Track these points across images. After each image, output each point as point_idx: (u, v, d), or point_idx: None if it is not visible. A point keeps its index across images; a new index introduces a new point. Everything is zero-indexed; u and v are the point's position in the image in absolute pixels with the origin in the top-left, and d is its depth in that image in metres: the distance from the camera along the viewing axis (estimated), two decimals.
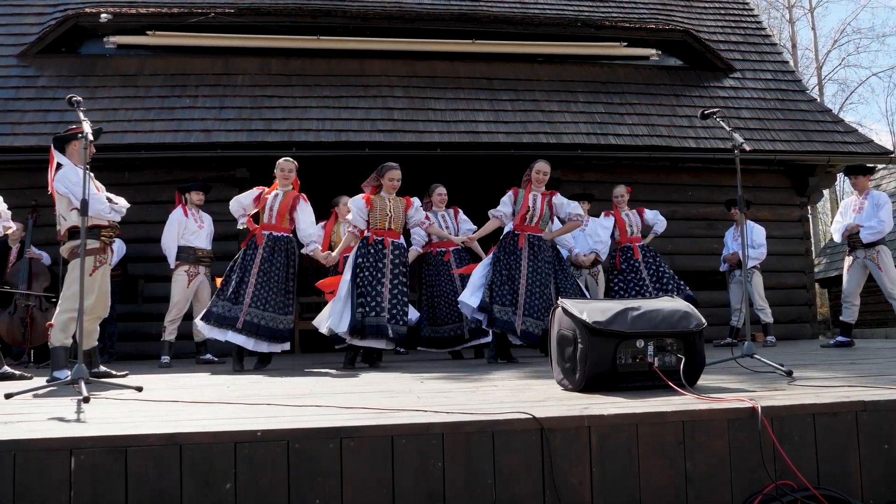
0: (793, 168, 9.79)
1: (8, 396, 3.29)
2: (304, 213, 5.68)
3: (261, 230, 5.60)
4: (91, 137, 3.74)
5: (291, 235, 5.69)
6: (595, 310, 2.96)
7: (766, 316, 7.88)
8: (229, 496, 2.14)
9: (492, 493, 2.23)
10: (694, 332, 2.97)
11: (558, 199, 5.84)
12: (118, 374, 4.78)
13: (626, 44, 10.38)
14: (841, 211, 7.01)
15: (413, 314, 6.28)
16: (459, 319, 6.33)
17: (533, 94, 9.65)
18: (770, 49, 11.52)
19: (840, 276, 7.78)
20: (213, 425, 2.29)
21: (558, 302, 3.20)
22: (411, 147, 8.66)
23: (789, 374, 3.42)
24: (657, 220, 7.21)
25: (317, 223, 6.30)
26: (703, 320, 3.03)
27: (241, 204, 5.70)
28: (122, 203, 4.70)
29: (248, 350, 5.49)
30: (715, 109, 4.37)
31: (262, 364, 5.65)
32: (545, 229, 5.77)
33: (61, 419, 2.56)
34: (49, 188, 4.50)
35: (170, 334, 6.74)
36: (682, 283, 6.92)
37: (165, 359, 6.60)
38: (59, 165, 4.49)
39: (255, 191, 5.78)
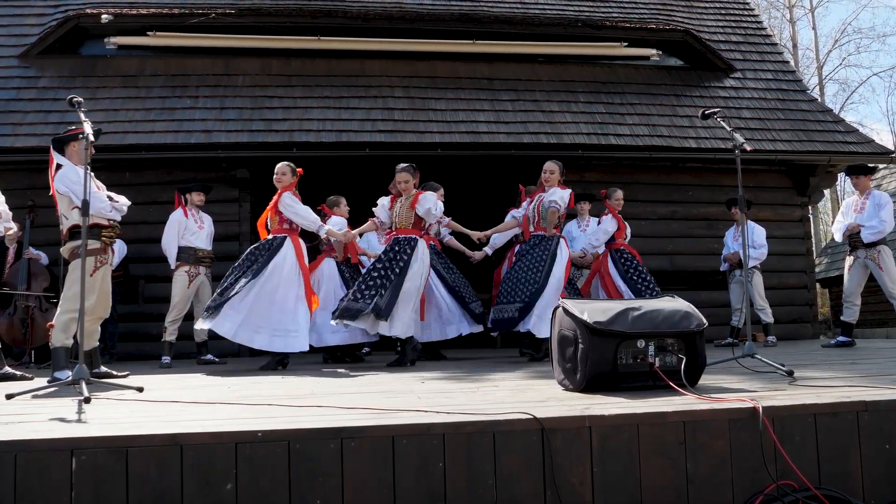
0: (793, 168, 9.79)
1: (9, 397, 3.29)
2: (289, 207, 5.64)
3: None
4: (91, 138, 3.74)
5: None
6: (596, 310, 2.96)
7: (767, 316, 7.87)
8: (230, 496, 2.14)
9: (493, 494, 2.23)
10: (695, 332, 2.96)
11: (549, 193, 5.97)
12: (119, 374, 4.78)
13: (626, 44, 10.38)
14: (842, 211, 7.01)
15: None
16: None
17: (533, 95, 9.65)
18: (771, 49, 11.52)
19: (841, 276, 7.78)
20: (213, 426, 2.29)
21: (559, 302, 3.20)
22: (412, 147, 8.66)
23: (790, 374, 3.41)
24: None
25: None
26: (704, 320, 3.02)
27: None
28: (123, 201, 4.71)
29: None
30: (715, 109, 4.37)
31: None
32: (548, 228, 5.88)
33: (62, 419, 2.56)
34: (51, 190, 4.51)
35: (170, 335, 6.73)
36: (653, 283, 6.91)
37: (166, 359, 6.60)
38: (58, 166, 4.50)
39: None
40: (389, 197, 5.90)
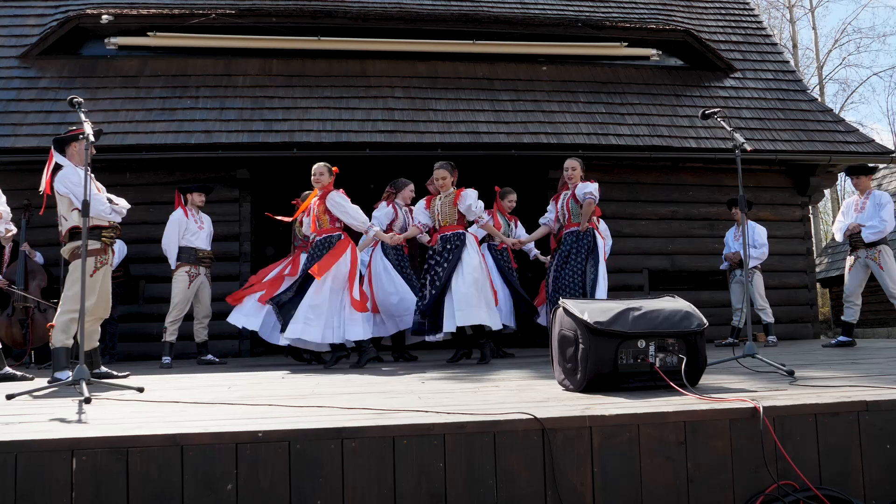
0: (794, 168, 9.79)
1: (9, 397, 3.30)
2: (338, 206, 5.64)
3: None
4: (92, 138, 3.74)
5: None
6: (596, 310, 2.96)
7: (767, 316, 7.87)
8: (231, 497, 2.14)
9: (493, 494, 2.23)
10: (695, 332, 2.96)
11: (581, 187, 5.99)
12: (119, 374, 4.78)
13: (626, 44, 10.38)
14: (843, 210, 7.00)
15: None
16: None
17: (534, 95, 9.65)
18: (771, 49, 11.51)
19: (841, 276, 7.78)
20: (214, 426, 2.29)
21: (559, 302, 3.20)
22: (412, 147, 8.66)
23: (791, 374, 3.41)
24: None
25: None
26: (705, 320, 3.02)
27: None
28: (123, 204, 4.71)
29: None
30: (716, 109, 4.37)
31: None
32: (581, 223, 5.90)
33: (63, 420, 2.56)
34: (41, 188, 4.50)
35: (171, 335, 6.73)
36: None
37: (167, 359, 6.60)
38: (58, 166, 4.50)
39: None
40: (424, 199, 5.89)
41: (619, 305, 3.02)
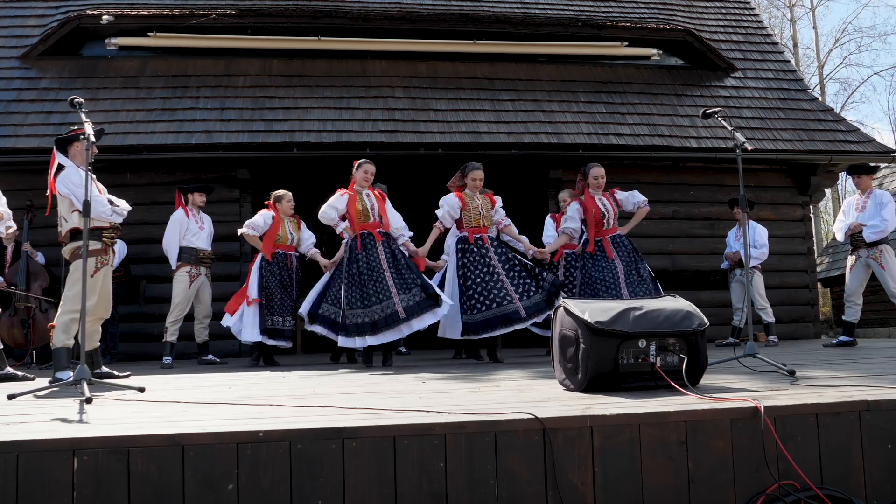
0: (795, 167, 9.78)
1: (10, 397, 3.30)
2: (392, 210, 5.80)
3: (360, 230, 5.62)
4: (93, 139, 3.74)
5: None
6: (597, 310, 2.96)
7: (768, 316, 7.87)
8: (231, 497, 2.14)
9: (494, 494, 2.23)
10: (696, 332, 2.96)
11: (620, 193, 6.10)
12: (120, 374, 4.79)
13: (626, 44, 10.38)
14: (844, 210, 7.00)
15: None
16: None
17: (534, 95, 9.65)
18: (771, 48, 11.51)
19: (842, 276, 7.77)
20: (215, 426, 2.29)
21: (560, 302, 3.20)
22: (412, 147, 8.66)
23: (792, 373, 3.41)
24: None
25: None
26: (706, 320, 3.02)
27: (337, 208, 5.67)
28: (124, 205, 4.71)
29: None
30: (716, 109, 4.36)
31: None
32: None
33: (64, 420, 2.56)
34: (48, 189, 4.50)
35: (171, 335, 6.74)
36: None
37: (167, 359, 6.60)
38: (60, 167, 4.49)
39: (345, 193, 5.71)
40: (453, 195, 5.81)
41: (619, 305, 3.02)
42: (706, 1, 12.02)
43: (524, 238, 6.29)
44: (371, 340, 5.30)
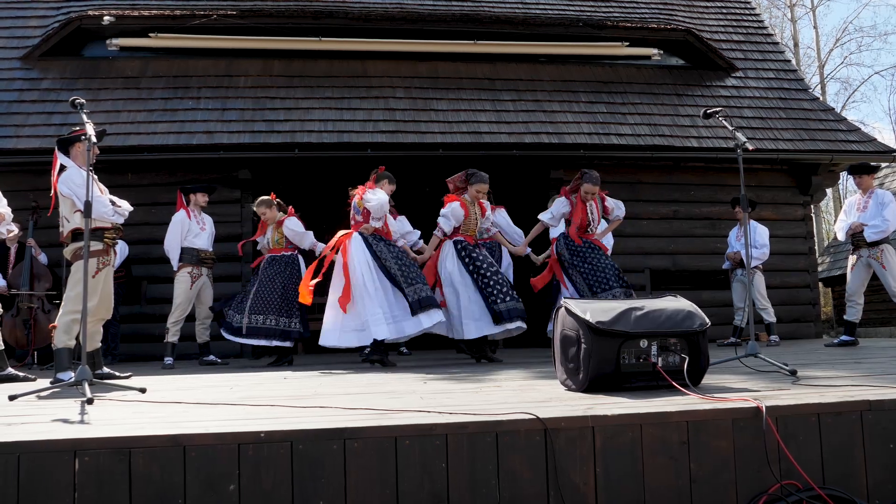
0: (796, 167, 9.78)
1: (12, 398, 3.30)
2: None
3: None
4: (94, 139, 3.74)
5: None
6: (598, 310, 2.95)
7: (769, 315, 7.86)
8: (233, 497, 2.14)
9: (496, 494, 2.23)
10: (698, 332, 2.96)
11: (610, 201, 6.17)
12: (122, 375, 4.79)
13: (627, 44, 10.38)
14: (845, 209, 6.99)
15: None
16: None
17: (535, 95, 9.65)
18: (772, 48, 11.51)
19: (844, 275, 7.77)
20: (216, 426, 2.29)
21: (561, 302, 3.20)
22: (413, 148, 8.67)
23: (793, 373, 3.41)
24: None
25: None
26: (707, 320, 3.02)
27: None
28: (125, 206, 4.71)
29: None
30: (717, 109, 4.36)
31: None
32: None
33: (65, 421, 2.56)
34: (52, 190, 4.51)
35: (173, 336, 6.74)
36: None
37: (169, 360, 6.61)
38: (62, 167, 4.50)
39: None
40: (459, 204, 5.84)
41: (621, 305, 3.02)
42: (707, 1, 12.02)
43: (518, 230, 6.43)
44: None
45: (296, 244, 6.62)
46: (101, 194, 4.58)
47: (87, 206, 3.60)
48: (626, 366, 2.91)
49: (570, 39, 10.30)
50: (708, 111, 4.32)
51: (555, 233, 7.11)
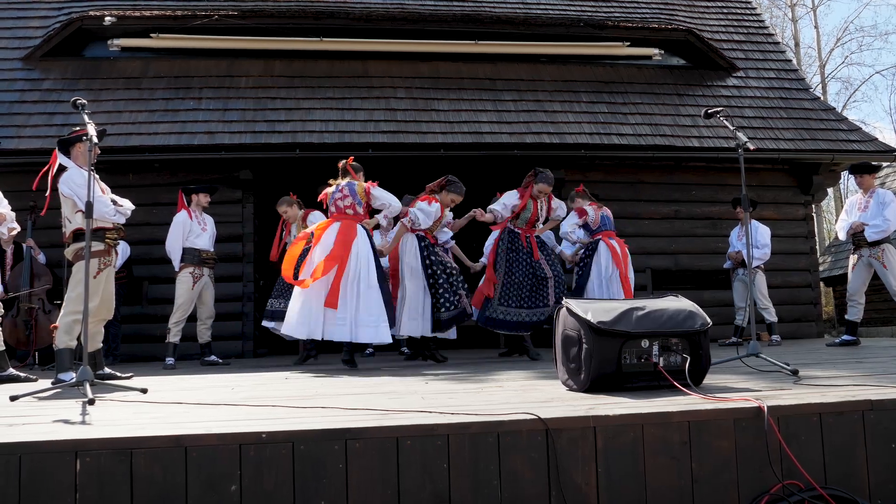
0: (797, 167, 9.77)
1: (13, 399, 3.30)
2: None
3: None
4: (95, 140, 3.75)
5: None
6: (599, 310, 2.95)
7: (770, 315, 7.86)
8: (234, 498, 2.14)
9: (497, 494, 2.23)
10: (699, 332, 2.96)
11: (556, 201, 6.34)
12: (123, 375, 4.79)
13: (628, 44, 10.37)
14: (846, 209, 6.98)
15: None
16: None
17: (536, 95, 9.64)
18: (773, 48, 11.50)
19: (845, 275, 7.76)
20: (218, 427, 2.29)
21: (563, 302, 3.20)
22: (414, 148, 8.66)
23: (795, 373, 3.41)
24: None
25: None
26: (709, 320, 3.01)
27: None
28: (127, 205, 4.71)
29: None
30: (718, 109, 4.36)
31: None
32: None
33: (66, 421, 2.57)
34: (48, 191, 4.50)
35: (174, 336, 6.74)
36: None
37: (170, 360, 6.61)
38: (62, 168, 4.50)
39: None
40: (438, 206, 5.92)
41: (622, 305, 3.02)
42: (708, 1, 12.02)
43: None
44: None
45: None
46: (103, 194, 4.58)
47: (89, 206, 3.60)
48: (627, 366, 2.90)
49: (571, 39, 10.29)
50: (709, 111, 4.32)
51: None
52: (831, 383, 3.07)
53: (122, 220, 4.68)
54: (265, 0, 10.36)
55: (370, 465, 2.19)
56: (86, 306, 3.58)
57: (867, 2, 46.25)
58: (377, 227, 5.99)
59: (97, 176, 4.23)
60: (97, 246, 4.48)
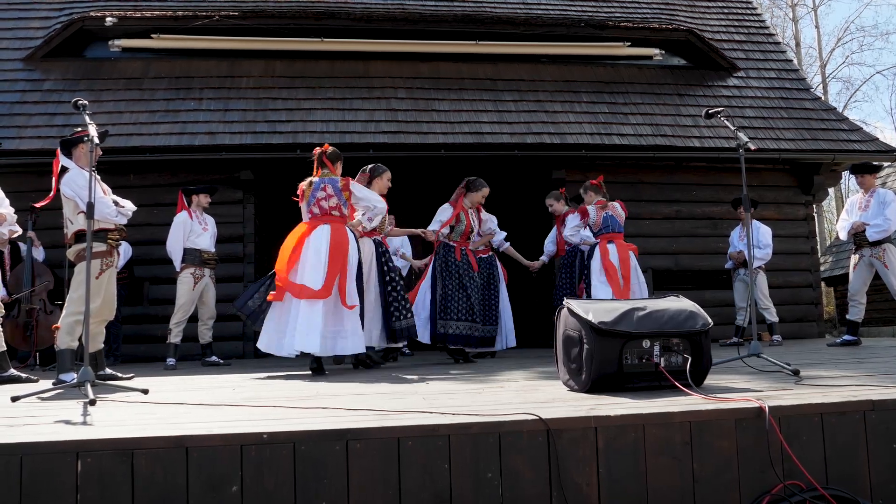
0: (798, 167, 9.76)
1: (14, 399, 3.30)
2: None
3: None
4: (97, 140, 3.75)
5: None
6: (600, 310, 2.95)
7: (772, 315, 7.85)
8: (235, 498, 2.14)
9: (498, 495, 2.23)
10: (700, 332, 2.95)
11: (485, 214, 6.46)
12: (124, 376, 4.79)
13: (629, 44, 10.37)
14: (847, 209, 6.98)
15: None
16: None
17: (537, 95, 9.64)
18: (774, 48, 11.49)
19: (846, 275, 7.76)
20: (219, 427, 2.30)
21: (563, 302, 3.20)
22: (415, 149, 8.66)
23: (796, 373, 3.40)
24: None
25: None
26: (710, 320, 3.01)
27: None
28: (129, 206, 4.71)
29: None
30: (719, 109, 4.36)
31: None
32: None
33: (67, 422, 2.57)
34: (52, 192, 4.50)
35: (175, 336, 6.74)
36: None
37: (171, 361, 6.61)
38: (64, 169, 4.50)
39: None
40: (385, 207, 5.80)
41: (623, 305, 3.02)
42: (708, 1, 12.01)
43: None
44: None
45: None
46: (105, 195, 4.58)
47: (90, 207, 3.60)
48: (628, 366, 2.90)
49: (572, 40, 10.29)
50: (710, 111, 4.32)
51: (549, 246, 7.28)
52: (833, 383, 3.06)
53: (124, 221, 4.69)
54: (266, 0, 10.36)
55: (371, 465, 2.19)
56: (87, 307, 3.58)
57: (868, 1, 46.25)
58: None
59: (98, 177, 4.23)
60: (99, 247, 4.48)
